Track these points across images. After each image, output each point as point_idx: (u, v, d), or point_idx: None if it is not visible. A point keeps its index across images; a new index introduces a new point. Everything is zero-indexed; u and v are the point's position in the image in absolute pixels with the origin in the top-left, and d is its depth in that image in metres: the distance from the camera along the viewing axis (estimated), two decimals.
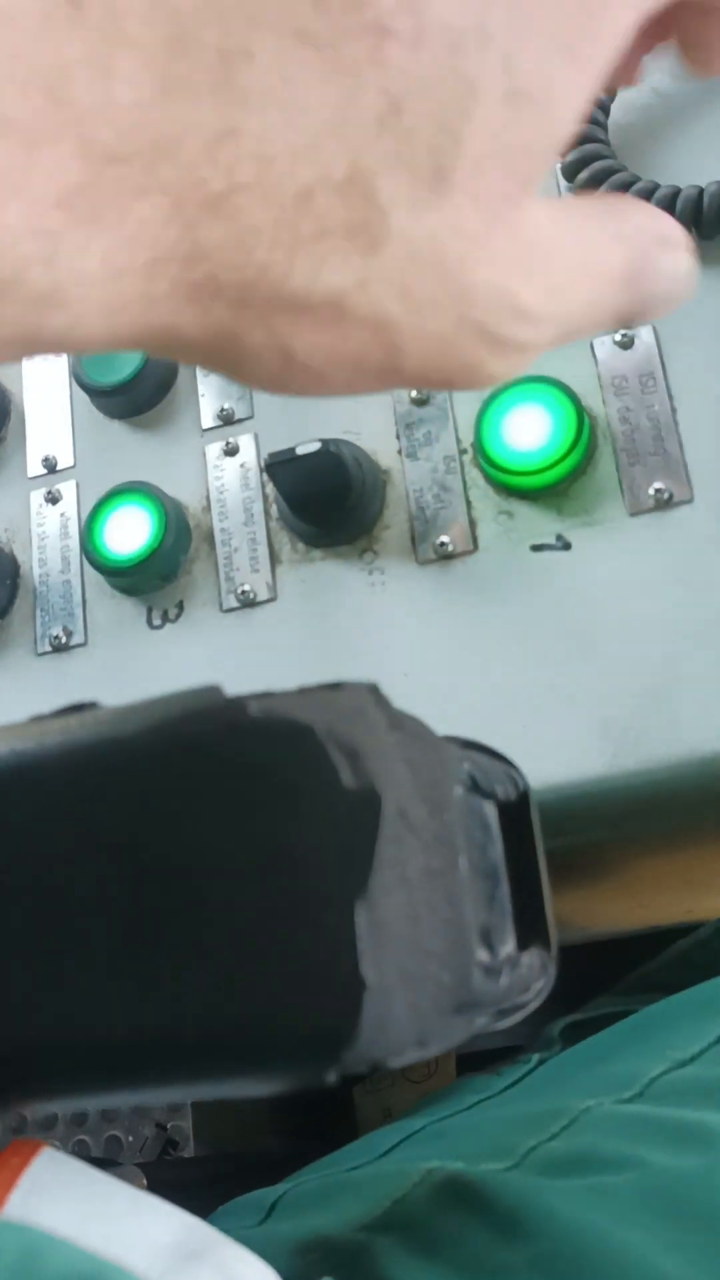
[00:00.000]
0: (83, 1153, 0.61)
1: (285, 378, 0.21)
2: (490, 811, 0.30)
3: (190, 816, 0.23)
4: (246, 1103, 0.63)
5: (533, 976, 0.30)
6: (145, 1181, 0.48)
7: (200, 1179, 0.62)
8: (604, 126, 0.41)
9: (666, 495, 0.38)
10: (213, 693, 0.25)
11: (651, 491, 0.38)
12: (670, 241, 0.23)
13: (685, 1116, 0.36)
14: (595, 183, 0.40)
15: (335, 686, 0.25)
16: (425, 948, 0.24)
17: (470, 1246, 0.34)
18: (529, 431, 0.38)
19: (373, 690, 0.26)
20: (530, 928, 0.30)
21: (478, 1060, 0.53)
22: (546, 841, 0.34)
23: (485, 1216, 0.34)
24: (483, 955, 0.27)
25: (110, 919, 0.22)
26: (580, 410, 0.38)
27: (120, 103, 0.18)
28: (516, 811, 0.31)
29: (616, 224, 0.23)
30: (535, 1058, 0.48)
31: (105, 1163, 0.55)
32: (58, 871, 0.22)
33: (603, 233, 0.23)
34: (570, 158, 0.40)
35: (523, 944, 0.29)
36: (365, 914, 0.22)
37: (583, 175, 0.40)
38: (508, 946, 0.29)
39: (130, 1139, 0.61)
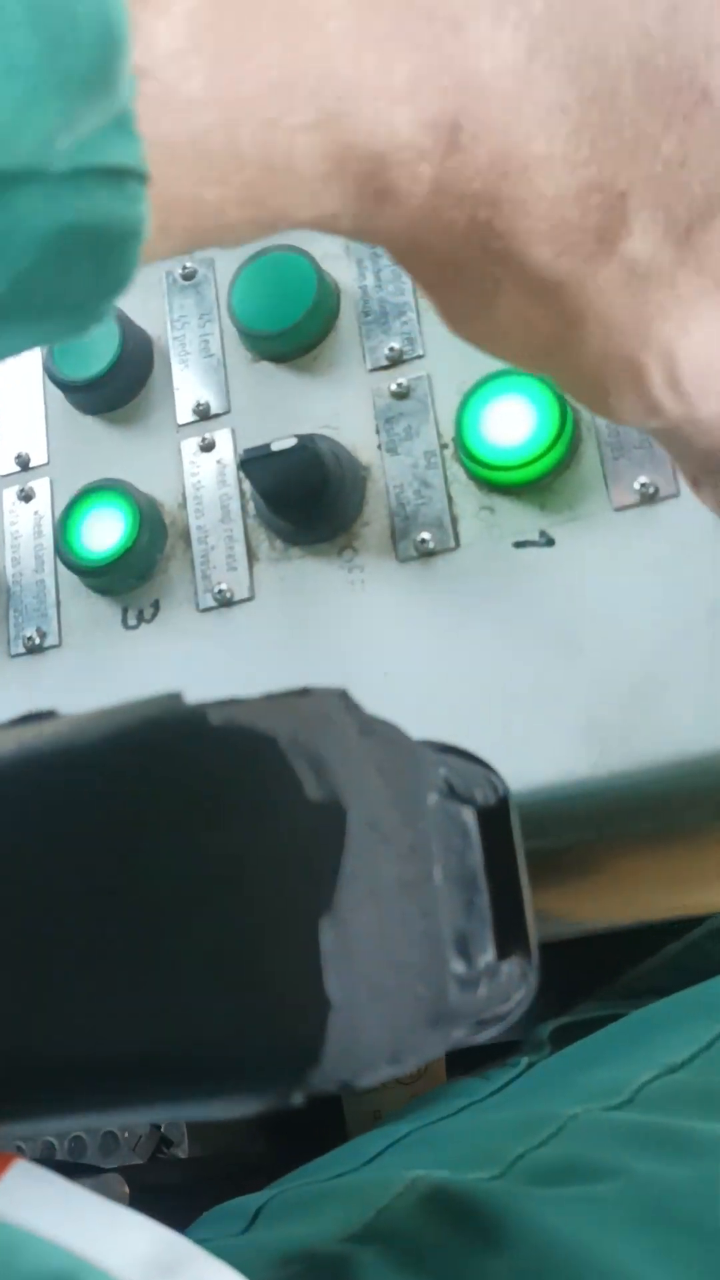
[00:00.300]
0: (78, 1149, 0.60)
1: (473, 319, 0.25)
2: (469, 817, 0.29)
3: (149, 831, 0.22)
4: None
5: (512, 986, 0.29)
6: (127, 1189, 0.48)
7: (191, 1181, 0.62)
8: None
9: (652, 489, 0.37)
10: (173, 701, 0.24)
11: (637, 486, 0.37)
12: None
13: (674, 1125, 0.35)
14: None
15: (302, 692, 0.25)
16: (397, 962, 0.23)
17: (453, 1258, 0.33)
18: (511, 425, 0.37)
19: (342, 696, 0.25)
20: (510, 936, 0.29)
21: (469, 1058, 0.52)
22: (531, 841, 0.33)
23: (469, 1227, 0.33)
24: (459, 966, 0.26)
25: (65, 938, 0.22)
26: (564, 402, 0.37)
27: (498, 48, 0.21)
28: (496, 817, 0.30)
29: None
30: (524, 1061, 0.47)
31: (88, 1169, 0.54)
32: (10, 888, 0.22)
33: None
34: None
35: (502, 953, 0.29)
36: (331, 930, 0.22)
37: None
38: (487, 956, 0.28)
39: (126, 1135, 0.61)
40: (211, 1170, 0.61)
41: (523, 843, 0.30)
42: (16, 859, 0.22)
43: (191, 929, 0.21)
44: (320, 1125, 0.65)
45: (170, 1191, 0.58)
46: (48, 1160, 0.55)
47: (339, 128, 0.20)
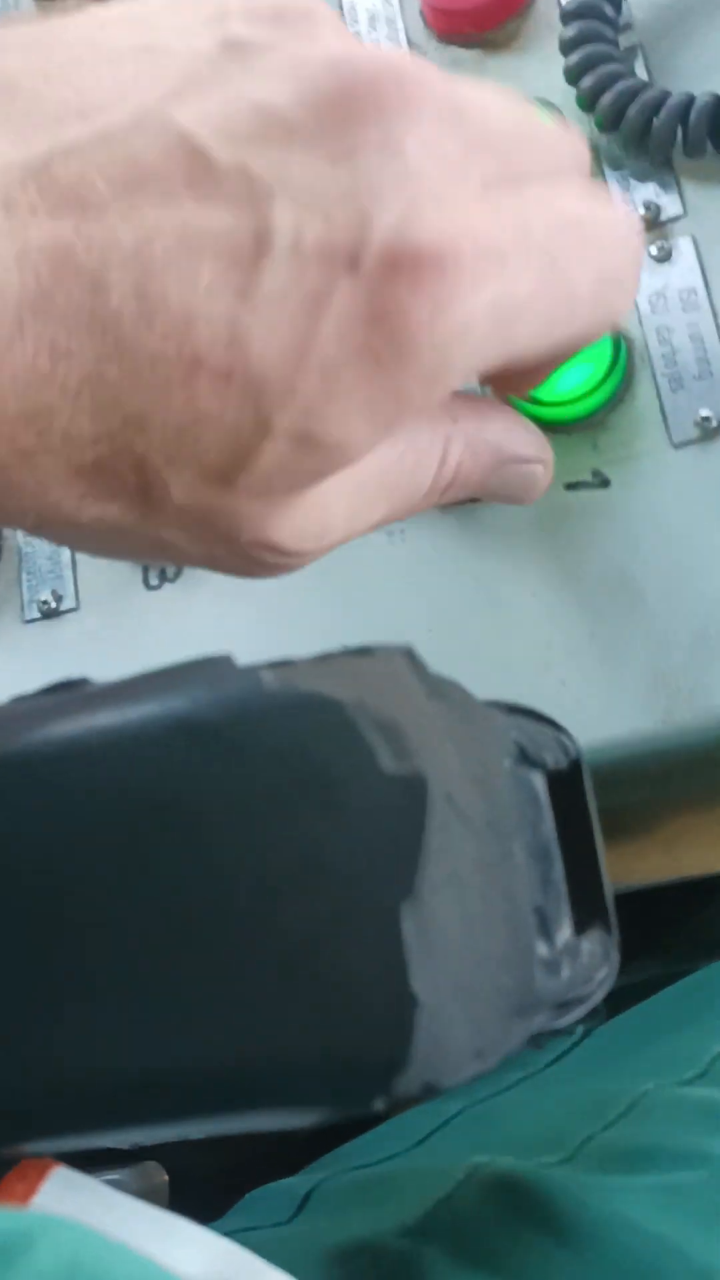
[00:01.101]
0: None
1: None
2: (539, 783, 0.26)
3: (204, 814, 0.20)
4: None
5: (595, 965, 0.27)
6: (166, 1177, 0.46)
7: (228, 1161, 0.60)
8: (613, 24, 0.37)
9: (714, 423, 0.34)
10: (223, 664, 0.21)
11: (697, 420, 0.34)
12: (520, 459, 0.30)
13: None
14: (600, 89, 0.36)
15: (364, 651, 0.22)
16: (483, 950, 0.21)
17: (528, 1256, 0.31)
18: None
19: (407, 654, 0.23)
20: (588, 909, 0.27)
21: None
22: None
23: (542, 1221, 0.31)
24: (543, 949, 0.24)
25: (116, 940, 0.19)
26: (615, 332, 0.34)
27: None
28: (569, 781, 0.27)
29: (460, 439, 0.28)
30: (580, 1029, 0.45)
31: (125, 1155, 0.52)
32: (50, 887, 0.19)
33: (419, 461, 0.27)
34: (572, 60, 0.36)
35: (580, 928, 0.26)
36: (413, 919, 0.19)
37: (586, 81, 0.36)
38: (565, 933, 0.26)
39: None
40: (251, 1146, 0.60)
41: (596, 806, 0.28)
42: (52, 854, 0.19)
43: (260, 925, 0.19)
44: None
45: (209, 1169, 0.57)
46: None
47: None
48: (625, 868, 0.44)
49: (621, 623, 0.34)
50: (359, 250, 0.22)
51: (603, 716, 0.34)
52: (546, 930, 0.24)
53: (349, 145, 0.22)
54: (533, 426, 0.30)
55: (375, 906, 0.19)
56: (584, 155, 0.26)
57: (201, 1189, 0.46)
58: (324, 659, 0.22)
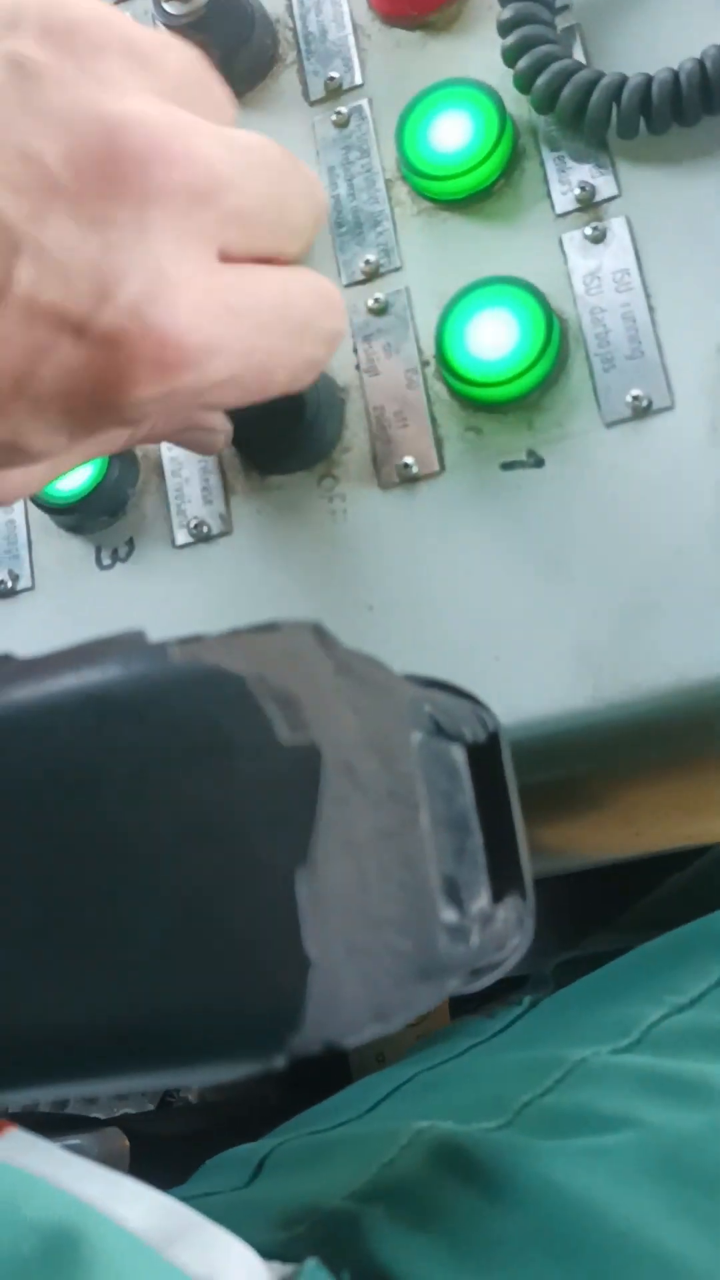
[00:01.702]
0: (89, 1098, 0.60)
1: None
2: (458, 756, 0.27)
3: (109, 782, 0.20)
4: None
5: (508, 931, 0.27)
6: (126, 1143, 0.47)
7: (199, 1126, 0.61)
8: (550, 6, 0.38)
9: (645, 403, 0.35)
10: (134, 640, 0.22)
11: (629, 399, 0.35)
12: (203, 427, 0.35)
13: (685, 1069, 0.34)
14: (535, 71, 0.36)
15: (271, 627, 0.23)
16: (379, 915, 0.22)
17: (462, 1216, 0.32)
18: (494, 339, 0.35)
19: (315, 630, 0.23)
20: (505, 878, 0.28)
21: (474, 995, 0.51)
22: (531, 775, 0.31)
23: (477, 1183, 0.32)
24: (449, 915, 0.25)
25: (23, 899, 0.20)
26: (549, 313, 0.35)
27: None
28: (486, 754, 0.28)
29: None
30: (528, 999, 0.46)
31: (85, 1121, 0.54)
32: None
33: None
34: (509, 42, 0.37)
35: (497, 896, 0.27)
36: (307, 884, 0.20)
37: (522, 62, 0.37)
38: (480, 901, 0.26)
39: None
40: (219, 1115, 0.61)
41: (516, 779, 0.29)
42: None
43: (159, 887, 0.20)
44: (328, 1067, 0.64)
45: (178, 1138, 0.58)
46: (54, 1113, 0.54)
47: None
48: (589, 841, 0.45)
49: (554, 599, 0.34)
50: (88, 321, 0.24)
51: (537, 691, 0.34)
52: (457, 897, 0.25)
53: (104, 216, 0.23)
54: None
55: (268, 870, 0.20)
56: (325, 209, 0.30)
57: (166, 1156, 0.47)
58: (231, 635, 0.22)
